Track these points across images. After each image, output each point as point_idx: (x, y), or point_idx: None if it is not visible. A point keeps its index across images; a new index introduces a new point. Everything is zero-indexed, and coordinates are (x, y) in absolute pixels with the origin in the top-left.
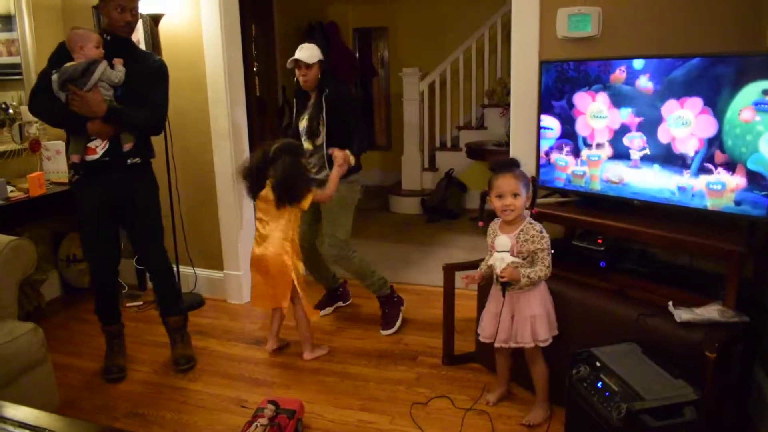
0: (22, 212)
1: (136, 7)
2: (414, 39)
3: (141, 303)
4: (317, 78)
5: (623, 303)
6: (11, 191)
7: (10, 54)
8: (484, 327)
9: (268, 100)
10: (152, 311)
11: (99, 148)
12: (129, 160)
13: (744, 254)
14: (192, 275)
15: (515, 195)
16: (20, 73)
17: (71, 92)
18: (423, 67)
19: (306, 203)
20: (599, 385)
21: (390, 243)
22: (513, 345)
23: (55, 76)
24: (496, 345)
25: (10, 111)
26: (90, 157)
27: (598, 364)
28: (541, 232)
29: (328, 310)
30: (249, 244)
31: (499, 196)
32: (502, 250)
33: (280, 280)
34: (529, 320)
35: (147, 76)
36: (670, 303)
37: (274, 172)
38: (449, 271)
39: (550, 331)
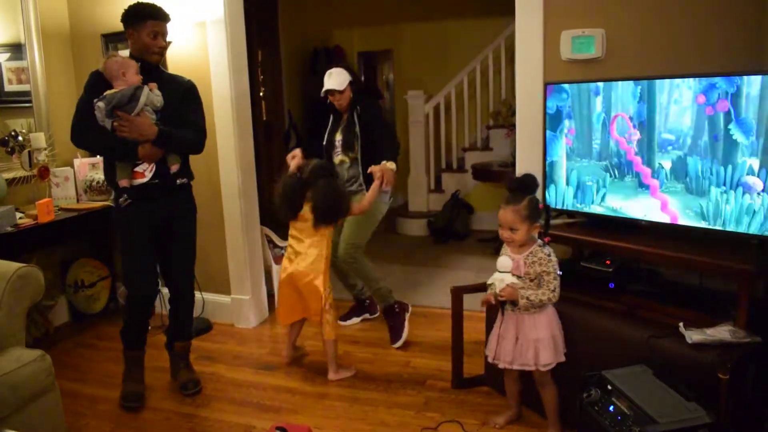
0: (31, 239)
1: (167, 32)
2: (419, 62)
3: (150, 327)
4: (350, 98)
5: (633, 324)
6: (20, 218)
7: (20, 82)
8: (490, 347)
9: (274, 124)
10: (161, 336)
11: (147, 171)
12: (178, 181)
13: (755, 273)
14: (199, 300)
15: (512, 229)
16: (30, 101)
17: (120, 118)
18: (428, 89)
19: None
20: (611, 408)
21: (397, 265)
22: (516, 367)
23: (101, 104)
24: (500, 365)
25: (20, 138)
26: (138, 181)
27: (609, 387)
28: (548, 255)
29: (355, 320)
30: (256, 269)
31: (501, 226)
32: (502, 270)
33: (310, 298)
34: (533, 343)
35: (180, 98)
36: (681, 324)
37: (313, 195)
38: (457, 293)
39: (555, 356)
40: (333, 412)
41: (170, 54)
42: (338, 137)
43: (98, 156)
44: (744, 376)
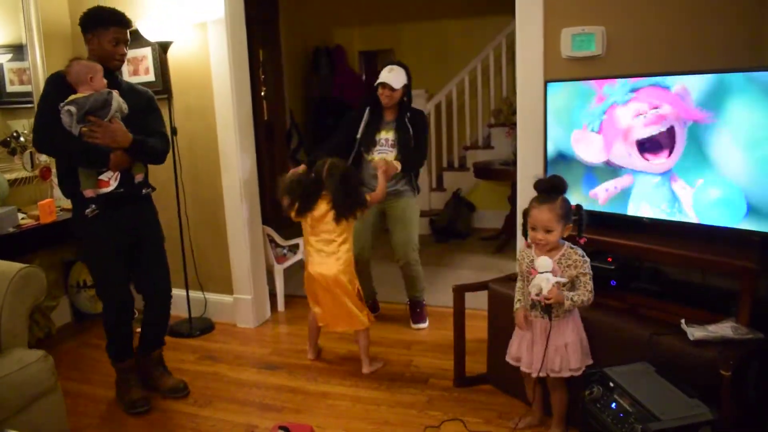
0: (33, 239)
1: (128, 40)
2: (419, 60)
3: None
4: (399, 99)
5: (635, 322)
6: (22, 218)
7: (21, 82)
8: (519, 356)
9: (275, 124)
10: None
11: (112, 179)
12: (144, 191)
13: (757, 271)
14: (201, 299)
15: (548, 231)
16: (31, 102)
17: (93, 124)
18: (429, 88)
19: (363, 211)
20: (613, 405)
21: None
22: (545, 374)
23: (72, 108)
24: (533, 375)
25: (21, 139)
26: (103, 190)
27: (611, 384)
28: (583, 256)
29: None
30: (258, 269)
31: (533, 228)
32: (544, 270)
33: (342, 296)
34: (561, 348)
35: (143, 107)
36: (683, 321)
37: (331, 189)
38: (459, 292)
39: (582, 359)
40: (335, 411)
41: (171, 55)
42: (384, 135)
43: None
44: (746, 373)
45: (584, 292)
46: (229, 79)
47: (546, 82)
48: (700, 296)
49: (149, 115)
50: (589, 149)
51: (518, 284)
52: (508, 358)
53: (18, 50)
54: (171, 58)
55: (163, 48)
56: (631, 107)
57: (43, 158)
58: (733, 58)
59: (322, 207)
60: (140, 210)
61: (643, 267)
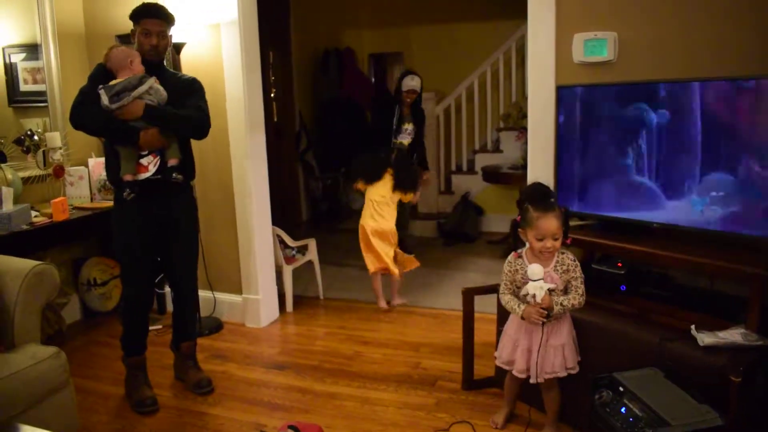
0: (45, 237)
1: (163, 31)
2: (429, 64)
3: (160, 327)
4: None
5: (644, 327)
6: (35, 216)
7: (35, 82)
8: (511, 359)
9: (285, 125)
10: (167, 334)
11: (151, 165)
12: (174, 175)
13: (766, 277)
14: (211, 299)
15: (556, 238)
16: (45, 101)
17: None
18: (438, 91)
19: (409, 197)
20: (623, 410)
21: None
22: (547, 376)
23: (103, 92)
24: (532, 380)
25: (35, 137)
26: (142, 175)
27: (621, 389)
28: (574, 260)
29: None
30: (267, 269)
31: (541, 238)
32: (537, 278)
33: (390, 243)
34: (561, 349)
35: (181, 91)
36: (693, 327)
37: (398, 168)
38: (468, 295)
39: (575, 358)
40: (343, 412)
41: (184, 55)
42: (407, 126)
43: (98, 137)
44: (756, 379)
45: (576, 296)
46: (241, 80)
47: (558, 88)
48: (710, 302)
49: (190, 95)
50: None
51: (507, 296)
52: (499, 363)
53: (32, 50)
54: (184, 59)
55: (176, 49)
56: None
57: (57, 156)
58: (747, 63)
59: (386, 178)
60: (177, 199)
61: (652, 272)
